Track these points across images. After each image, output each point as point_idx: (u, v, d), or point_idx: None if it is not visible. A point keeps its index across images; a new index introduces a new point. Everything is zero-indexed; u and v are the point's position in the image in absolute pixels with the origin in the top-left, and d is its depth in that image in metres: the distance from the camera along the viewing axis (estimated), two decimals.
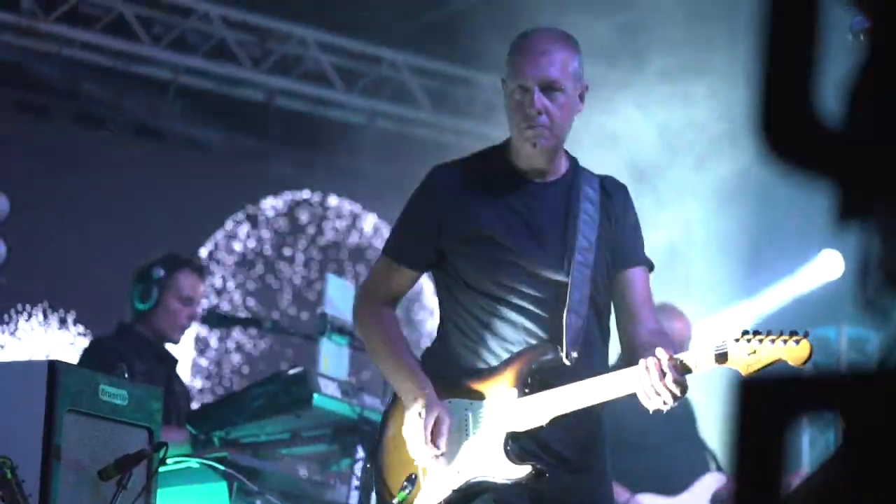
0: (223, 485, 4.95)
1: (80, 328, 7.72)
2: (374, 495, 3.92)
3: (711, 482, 6.07)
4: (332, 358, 5.53)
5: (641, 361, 3.49)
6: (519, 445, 3.66)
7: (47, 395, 3.95)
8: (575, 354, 3.67)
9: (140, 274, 5.88)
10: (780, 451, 1.45)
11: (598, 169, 3.94)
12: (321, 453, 5.65)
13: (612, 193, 3.85)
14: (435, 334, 3.94)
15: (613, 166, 4.82)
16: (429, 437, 3.62)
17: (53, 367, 4.00)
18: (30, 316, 7.65)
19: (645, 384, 3.46)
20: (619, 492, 4.75)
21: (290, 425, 5.31)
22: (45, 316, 7.70)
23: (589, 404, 3.59)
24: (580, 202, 3.75)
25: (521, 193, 3.77)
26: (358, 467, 5.39)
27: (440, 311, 3.91)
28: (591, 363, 3.73)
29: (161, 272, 5.82)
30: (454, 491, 3.65)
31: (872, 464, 1.45)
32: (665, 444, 6.06)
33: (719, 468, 6.13)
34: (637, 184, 7.34)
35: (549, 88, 3.66)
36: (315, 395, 5.13)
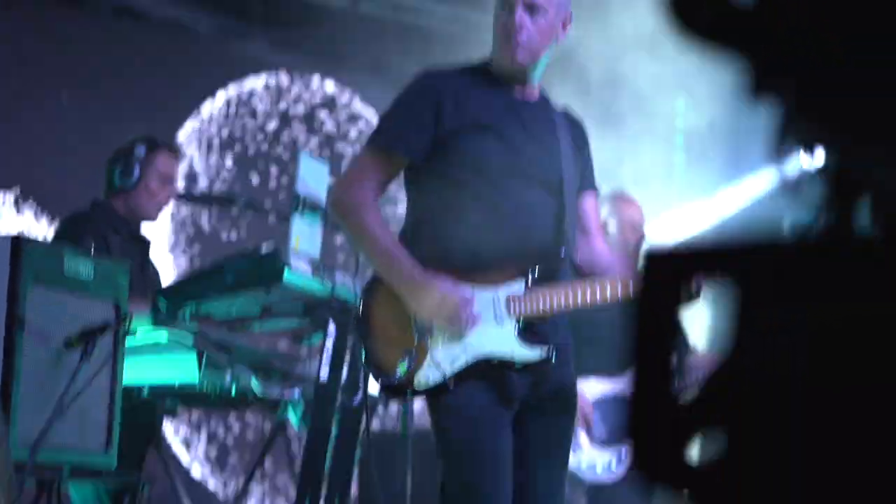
0: (193, 356, 5.02)
1: (49, 218, 7.71)
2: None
3: None
4: (304, 236, 5.55)
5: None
6: (526, 331, 3.86)
7: (11, 268, 3.99)
8: (579, 263, 4.03)
9: (121, 152, 5.88)
10: (674, 319, 1.49)
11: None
12: (293, 329, 5.71)
13: (577, 123, 4.14)
14: (407, 236, 4.01)
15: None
16: (464, 318, 3.79)
17: (17, 241, 4.04)
18: (3, 202, 7.66)
19: None
20: None
21: (261, 301, 5.36)
22: (18, 204, 7.71)
23: (591, 304, 3.83)
24: (557, 124, 4.00)
25: (509, 100, 3.97)
26: (329, 342, 5.45)
27: (421, 210, 4.00)
28: (570, 268, 4.01)
29: (142, 151, 5.83)
30: (463, 365, 3.83)
31: (768, 334, 1.48)
32: (615, 332, 6.14)
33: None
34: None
35: (531, 9, 3.86)
36: (286, 271, 5.16)
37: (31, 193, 7.75)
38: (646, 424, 1.47)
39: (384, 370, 3.91)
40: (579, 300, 3.82)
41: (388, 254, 3.89)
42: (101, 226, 5.62)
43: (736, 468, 1.47)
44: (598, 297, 3.80)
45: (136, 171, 5.78)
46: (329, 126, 8.99)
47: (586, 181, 4.12)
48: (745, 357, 1.47)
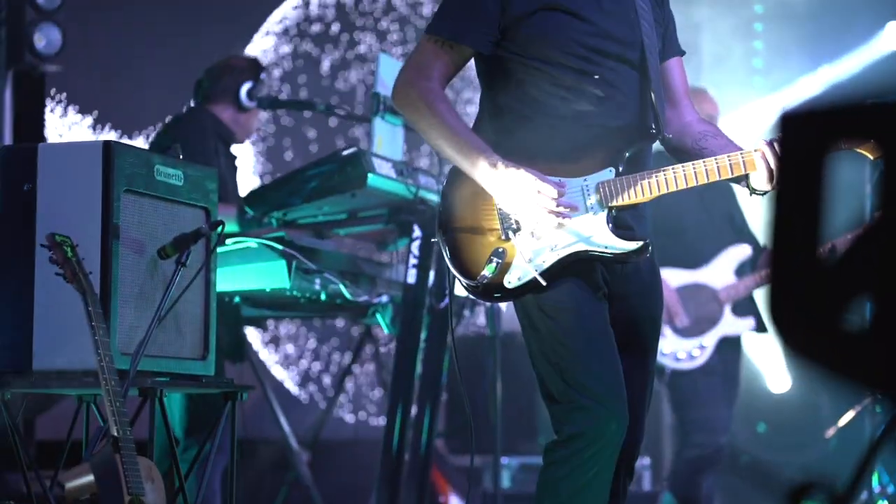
0: (282, 263, 5.03)
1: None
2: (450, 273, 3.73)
3: (736, 254, 6.13)
4: (386, 138, 5.53)
5: (759, 145, 3.54)
6: (618, 221, 3.64)
7: (103, 174, 3.99)
8: (669, 135, 3.75)
9: (243, 68, 5.91)
10: (820, 177, 1.43)
11: None
12: (378, 233, 5.70)
13: None
14: (481, 129, 3.75)
15: None
16: (556, 210, 3.53)
17: (108, 147, 4.03)
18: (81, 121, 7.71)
19: (767, 165, 3.52)
20: None
21: (346, 205, 5.35)
22: (94, 128, 7.75)
23: (688, 186, 3.61)
24: None
25: None
26: (415, 246, 5.44)
27: (494, 100, 3.75)
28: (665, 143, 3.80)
29: (264, 76, 5.97)
30: (556, 260, 3.59)
31: None
32: (698, 226, 6.13)
33: (750, 243, 6.18)
34: None
35: None
36: (370, 175, 5.14)
37: (108, 118, 7.80)
38: (790, 292, 1.42)
39: (470, 271, 3.66)
40: (673, 185, 3.58)
41: (468, 144, 3.60)
42: (207, 129, 5.66)
43: (885, 335, 1.42)
44: (688, 182, 3.58)
45: (247, 102, 5.85)
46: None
47: (669, 47, 3.85)
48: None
